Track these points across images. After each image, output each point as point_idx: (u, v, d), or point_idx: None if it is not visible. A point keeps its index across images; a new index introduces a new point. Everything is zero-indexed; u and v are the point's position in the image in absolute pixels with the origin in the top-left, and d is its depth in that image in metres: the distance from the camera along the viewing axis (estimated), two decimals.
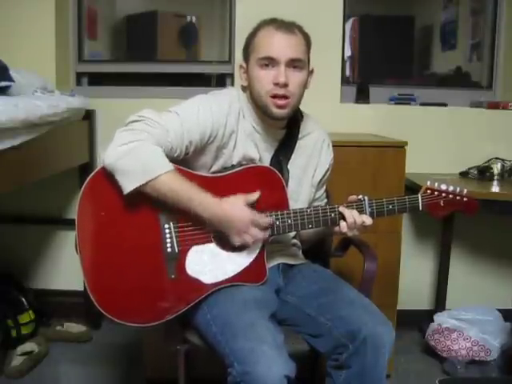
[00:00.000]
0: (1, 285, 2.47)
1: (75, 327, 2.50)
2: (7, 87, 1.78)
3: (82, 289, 1.36)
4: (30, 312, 2.44)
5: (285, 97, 1.43)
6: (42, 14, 2.51)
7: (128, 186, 1.31)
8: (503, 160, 2.52)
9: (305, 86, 1.49)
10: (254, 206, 1.41)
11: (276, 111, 1.45)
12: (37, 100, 1.88)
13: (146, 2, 3.05)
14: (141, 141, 1.31)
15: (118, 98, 2.62)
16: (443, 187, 1.52)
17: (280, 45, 1.43)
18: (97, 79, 2.84)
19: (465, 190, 1.53)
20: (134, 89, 2.76)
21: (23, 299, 2.45)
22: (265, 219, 1.40)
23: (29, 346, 2.27)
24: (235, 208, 1.37)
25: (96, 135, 2.57)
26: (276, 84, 1.42)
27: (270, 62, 1.43)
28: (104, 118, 2.58)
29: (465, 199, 1.53)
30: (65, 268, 2.67)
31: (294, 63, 1.43)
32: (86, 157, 2.50)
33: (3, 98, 1.66)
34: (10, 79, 1.81)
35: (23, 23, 2.49)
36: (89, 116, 2.52)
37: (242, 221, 1.37)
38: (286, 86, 1.42)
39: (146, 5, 3.02)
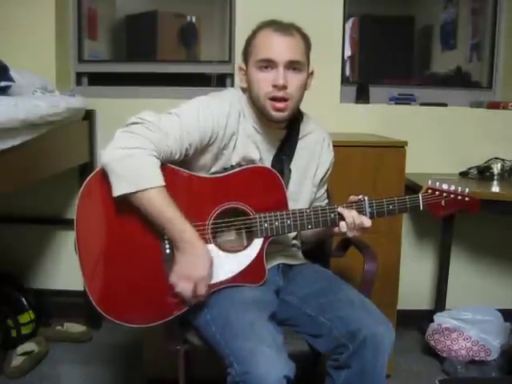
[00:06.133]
0: (1, 285, 2.47)
1: (75, 327, 2.50)
2: (7, 87, 1.78)
3: (82, 289, 1.36)
4: (30, 312, 2.44)
5: (284, 99, 1.43)
6: (42, 14, 2.51)
7: (117, 189, 1.31)
8: (503, 160, 2.52)
9: (304, 87, 1.48)
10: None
11: (275, 114, 1.44)
12: (37, 100, 1.88)
13: (146, 1, 3.05)
14: (140, 149, 1.31)
15: (118, 98, 2.62)
16: (445, 187, 1.51)
17: (278, 47, 1.42)
18: (97, 79, 2.84)
19: (466, 190, 1.51)
20: (134, 89, 2.76)
21: (23, 299, 2.45)
22: (203, 290, 1.36)
23: (29, 346, 2.27)
24: (204, 255, 1.36)
25: (96, 135, 2.57)
26: (275, 86, 1.41)
27: (268, 64, 1.42)
28: (104, 118, 2.58)
29: (466, 199, 1.51)
30: (65, 268, 2.68)
31: (292, 65, 1.43)
32: (85, 157, 2.50)
33: (3, 98, 1.66)
34: (10, 79, 1.81)
35: (23, 23, 2.49)
36: (89, 116, 2.52)
37: (197, 269, 1.35)
38: (284, 88, 1.42)
39: (146, 5, 3.01)
